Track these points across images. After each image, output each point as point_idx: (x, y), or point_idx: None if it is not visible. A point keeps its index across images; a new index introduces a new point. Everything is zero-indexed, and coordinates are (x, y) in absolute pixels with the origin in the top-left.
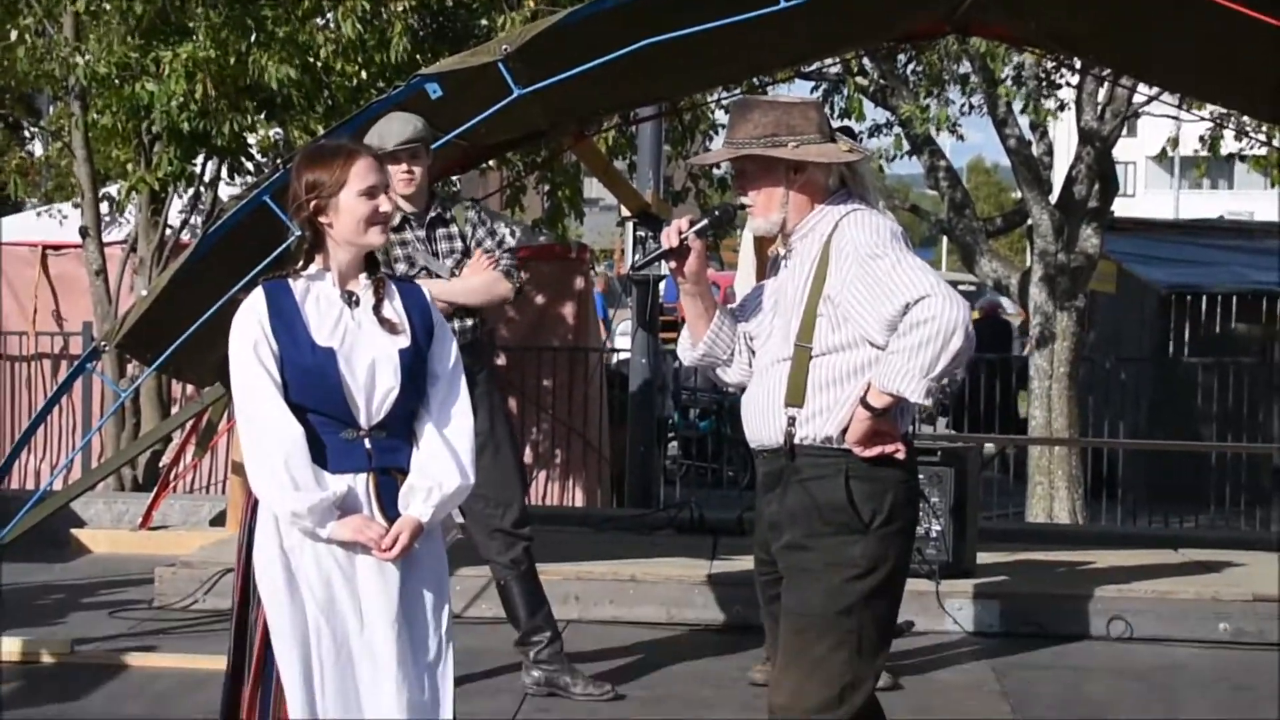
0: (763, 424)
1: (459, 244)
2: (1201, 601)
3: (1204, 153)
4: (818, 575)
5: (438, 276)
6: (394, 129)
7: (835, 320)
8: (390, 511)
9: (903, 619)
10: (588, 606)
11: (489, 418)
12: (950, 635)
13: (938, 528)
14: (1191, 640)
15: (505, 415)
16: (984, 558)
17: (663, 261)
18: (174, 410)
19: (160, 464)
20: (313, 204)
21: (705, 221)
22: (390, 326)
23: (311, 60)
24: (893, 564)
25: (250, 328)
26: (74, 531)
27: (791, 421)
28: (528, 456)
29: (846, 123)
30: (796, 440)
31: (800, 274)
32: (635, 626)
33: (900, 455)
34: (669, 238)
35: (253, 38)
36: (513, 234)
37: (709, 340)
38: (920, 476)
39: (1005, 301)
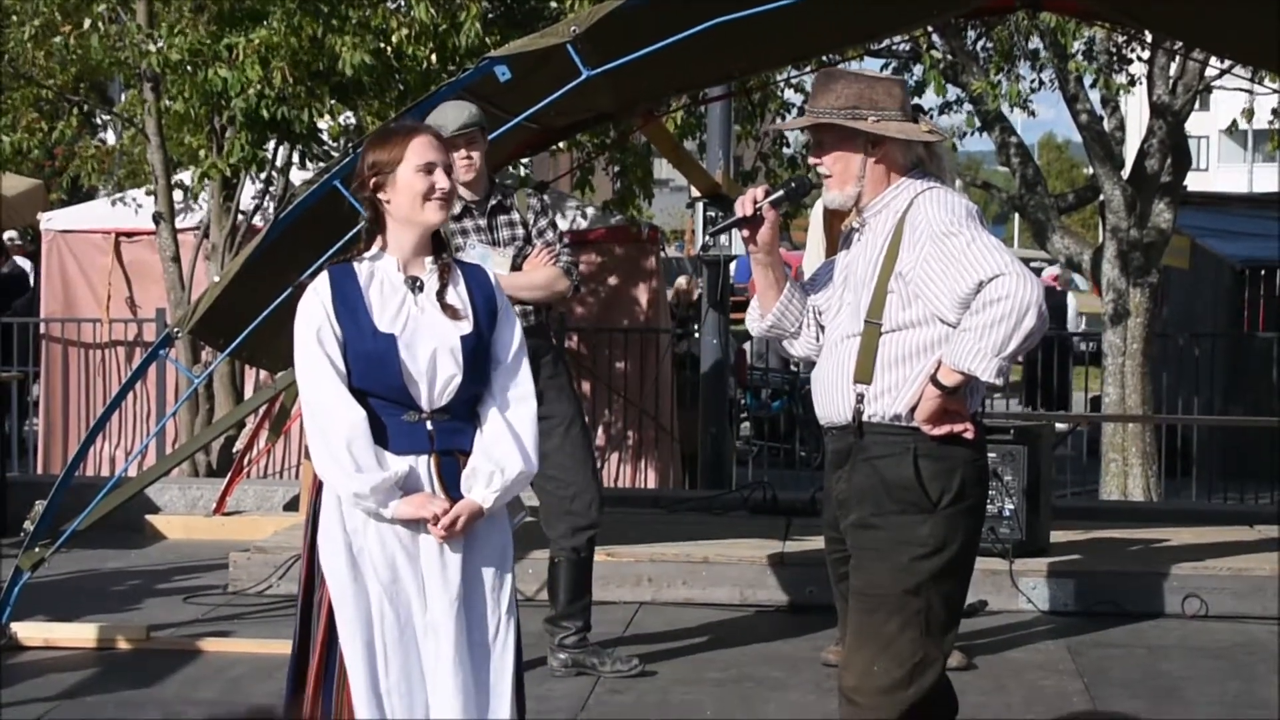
0: (831, 400)
1: (520, 231)
2: (1277, 578)
3: (1277, 125)
4: (885, 554)
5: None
6: (449, 116)
7: (906, 297)
8: (453, 493)
9: (976, 598)
10: (660, 588)
11: (558, 400)
12: (1024, 614)
13: (1011, 506)
14: (1268, 617)
15: (574, 397)
16: (1058, 536)
17: (736, 231)
18: (247, 395)
19: (234, 449)
20: (373, 181)
21: (780, 192)
22: (453, 312)
23: (382, 45)
24: (961, 543)
25: (314, 313)
26: (149, 518)
27: (860, 398)
28: (600, 439)
29: (916, 101)
30: (865, 417)
31: (873, 250)
32: (708, 608)
33: (969, 435)
34: (744, 206)
35: (326, 23)
36: (584, 216)
37: (778, 312)
38: (993, 455)
39: (1077, 278)
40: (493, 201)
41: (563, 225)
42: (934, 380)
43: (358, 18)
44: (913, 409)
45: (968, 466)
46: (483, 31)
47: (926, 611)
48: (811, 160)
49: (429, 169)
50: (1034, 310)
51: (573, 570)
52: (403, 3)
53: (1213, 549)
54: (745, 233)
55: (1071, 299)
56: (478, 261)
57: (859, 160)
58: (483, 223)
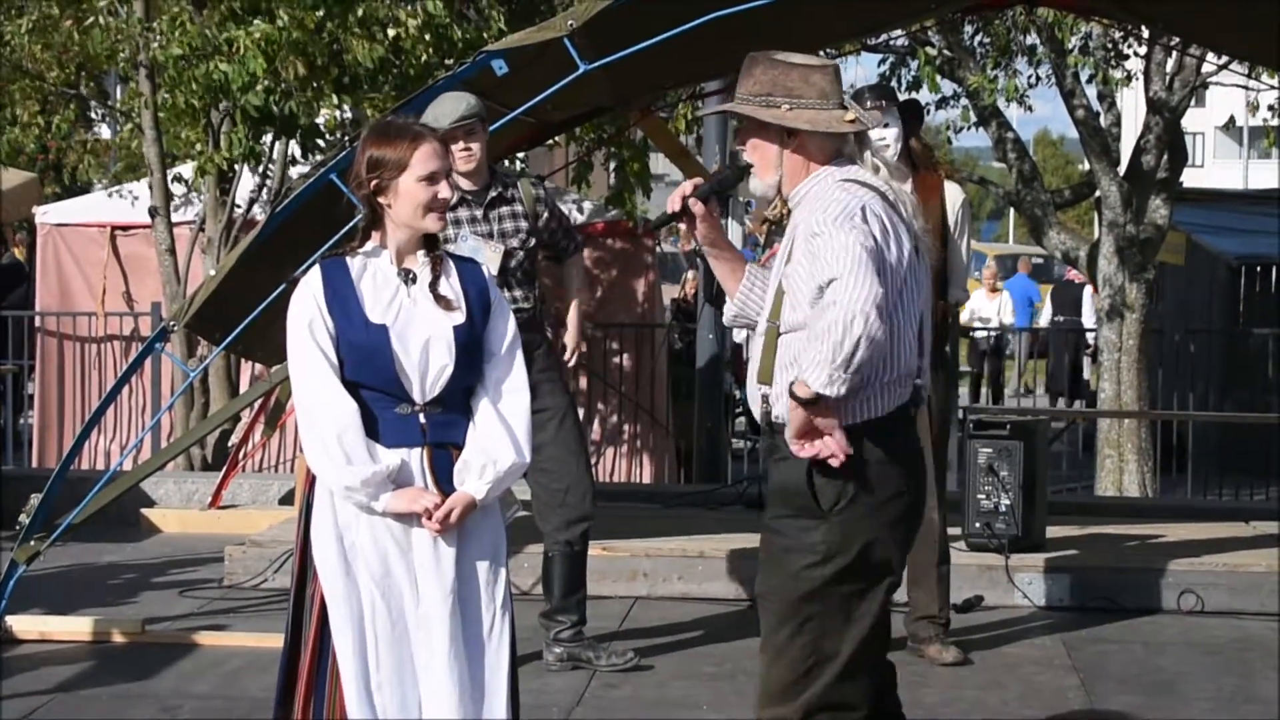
0: (752, 400)
1: (525, 223)
2: (1273, 574)
3: (1274, 122)
4: (779, 561)
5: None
6: (447, 108)
7: (794, 299)
8: (445, 486)
9: (973, 593)
10: (656, 583)
11: (551, 393)
12: (1020, 610)
13: (1007, 502)
14: (1263, 613)
15: (567, 391)
16: (1053, 532)
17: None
18: (243, 389)
19: (229, 443)
20: (373, 183)
21: (707, 186)
22: (445, 303)
23: (383, 39)
24: (860, 547)
25: (306, 306)
26: (144, 511)
27: (765, 399)
28: (596, 434)
29: (913, 96)
30: (773, 418)
31: (784, 246)
32: (704, 602)
33: (834, 463)
34: (673, 202)
35: (328, 16)
36: (581, 210)
37: (740, 300)
38: (989, 451)
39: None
40: (492, 193)
41: None
42: (790, 390)
43: (364, 9)
44: None
45: (871, 467)
46: (501, 22)
47: (820, 617)
48: (736, 146)
49: (432, 179)
50: (861, 318)
51: (567, 564)
52: None
53: (1208, 545)
54: (683, 227)
55: (1088, 293)
56: (469, 254)
57: (775, 149)
58: (479, 214)
